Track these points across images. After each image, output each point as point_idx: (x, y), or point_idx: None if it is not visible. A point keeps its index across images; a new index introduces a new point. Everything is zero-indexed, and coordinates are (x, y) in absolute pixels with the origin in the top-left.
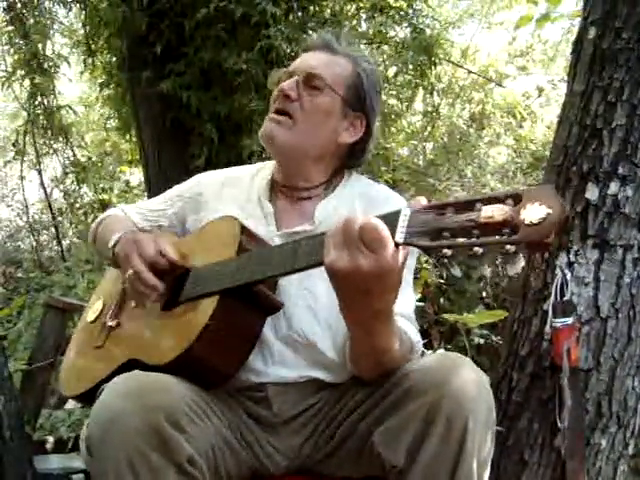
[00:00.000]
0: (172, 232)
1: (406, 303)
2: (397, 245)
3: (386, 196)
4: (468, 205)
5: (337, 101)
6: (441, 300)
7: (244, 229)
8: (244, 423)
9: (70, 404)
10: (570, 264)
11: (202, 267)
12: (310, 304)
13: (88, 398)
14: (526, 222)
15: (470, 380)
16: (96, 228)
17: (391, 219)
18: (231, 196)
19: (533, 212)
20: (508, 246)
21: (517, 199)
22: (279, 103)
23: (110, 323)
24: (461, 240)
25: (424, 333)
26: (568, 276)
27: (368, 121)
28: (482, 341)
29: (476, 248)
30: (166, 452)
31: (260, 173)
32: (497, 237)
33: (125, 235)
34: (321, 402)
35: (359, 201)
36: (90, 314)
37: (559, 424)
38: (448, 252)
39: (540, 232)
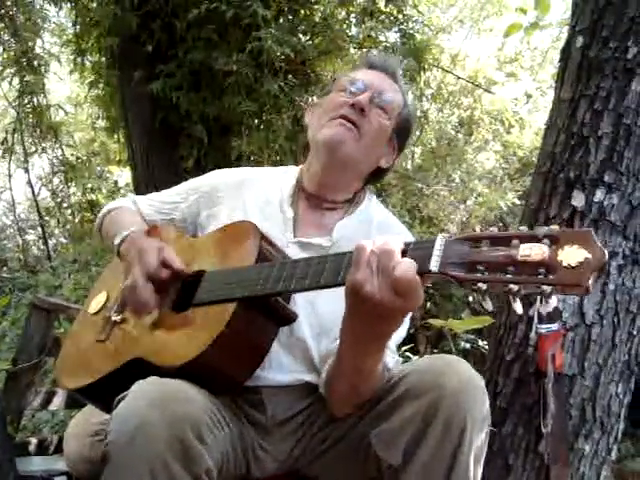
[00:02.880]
0: (182, 231)
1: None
2: (430, 273)
3: (399, 230)
4: (504, 240)
5: (391, 127)
6: (427, 304)
7: (263, 237)
8: (245, 428)
9: (54, 405)
10: None
11: (219, 271)
12: (310, 312)
13: (87, 392)
14: (564, 264)
15: (467, 381)
16: (103, 217)
17: (427, 247)
18: (250, 197)
19: (572, 255)
20: (544, 287)
21: (555, 239)
22: (351, 113)
23: (115, 318)
24: (498, 276)
25: (410, 338)
26: (550, 307)
27: (399, 153)
28: (468, 346)
29: (511, 285)
30: (188, 463)
31: (284, 177)
32: (535, 277)
33: (131, 236)
34: (313, 405)
35: (376, 229)
36: (92, 305)
37: (543, 429)
38: (483, 286)
39: (578, 276)
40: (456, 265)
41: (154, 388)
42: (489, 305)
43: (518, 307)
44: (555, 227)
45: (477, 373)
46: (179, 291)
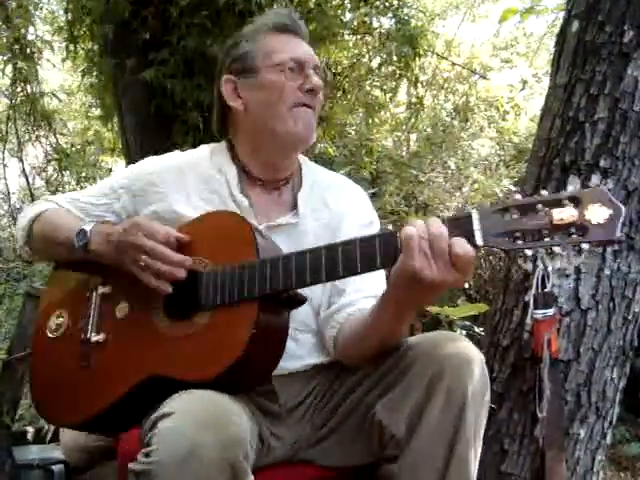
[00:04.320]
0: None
1: None
2: (477, 247)
3: (351, 189)
4: (531, 206)
5: None
6: None
7: (253, 227)
8: (260, 419)
9: None
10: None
11: (221, 270)
12: (307, 294)
13: (92, 426)
14: (593, 222)
15: (468, 356)
16: (30, 224)
17: (466, 222)
18: (192, 188)
19: (597, 213)
20: (583, 245)
21: (578, 200)
22: (309, 100)
23: (96, 338)
24: (539, 241)
25: None
26: (549, 268)
27: None
28: (464, 332)
29: (554, 248)
30: None
31: (216, 159)
32: (572, 237)
33: (97, 229)
34: (320, 385)
35: (335, 195)
36: (50, 330)
37: (539, 414)
38: (529, 252)
39: (609, 231)
40: (496, 236)
41: (200, 407)
42: (529, 266)
43: (528, 265)
44: (572, 188)
45: (478, 350)
46: (166, 296)
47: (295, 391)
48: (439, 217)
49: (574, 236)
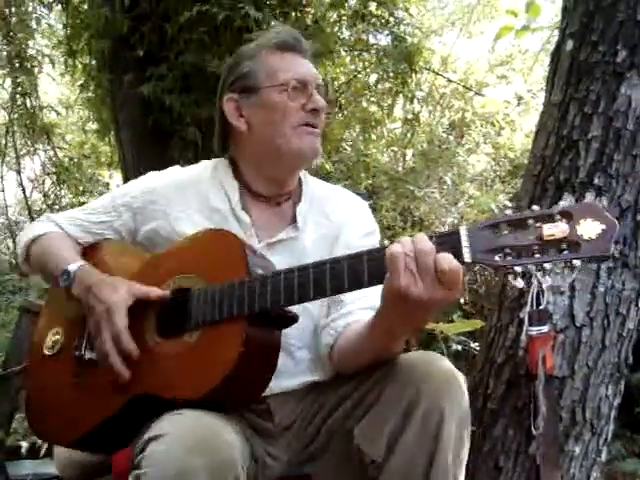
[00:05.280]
0: (126, 244)
1: None
2: (465, 264)
3: (354, 203)
4: (522, 222)
5: None
6: None
7: (245, 245)
8: (253, 439)
9: None
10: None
11: (208, 288)
12: (301, 310)
13: (84, 443)
14: (585, 238)
15: (446, 377)
16: (28, 247)
17: (453, 239)
18: (193, 205)
19: (589, 228)
20: (575, 261)
21: (569, 215)
22: (313, 119)
23: (89, 356)
24: (529, 257)
25: None
26: (544, 285)
27: None
28: (460, 348)
29: (545, 265)
30: None
31: (217, 176)
32: (563, 253)
33: (80, 276)
34: (307, 403)
35: (327, 204)
36: (46, 347)
37: (534, 431)
38: (518, 269)
39: (601, 246)
40: (487, 252)
41: (190, 430)
42: (520, 283)
43: (519, 283)
44: (565, 203)
45: (458, 370)
46: (158, 314)
47: (289, 409)
48: (427, 234)
49: (565, 252)
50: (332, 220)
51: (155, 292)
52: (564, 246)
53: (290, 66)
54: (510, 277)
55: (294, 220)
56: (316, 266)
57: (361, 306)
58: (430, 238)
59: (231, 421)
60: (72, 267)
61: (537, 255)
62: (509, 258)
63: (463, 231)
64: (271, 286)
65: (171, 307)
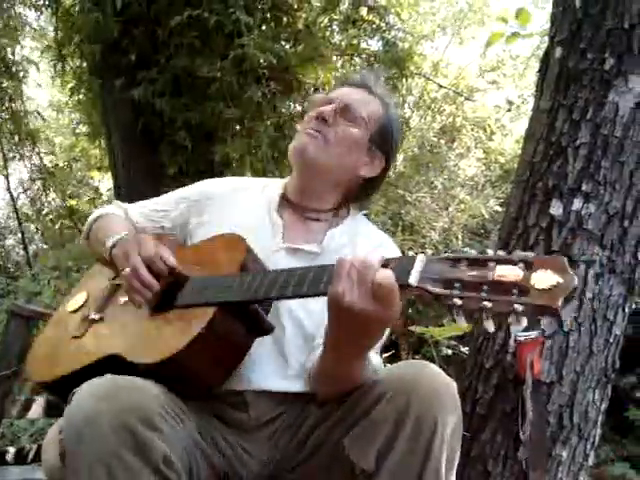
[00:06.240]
0: (175, 238)
1: None
2: (409, 287)
3: (387, 244)
4: (481, 262)
5: (366, 136)
6: (409, 310)
7: (249, 250)
8: (215, 428)
9: (33, 413)
10: None
11: (203, 277)
12: (295, 323)
13: (57, 388)
14: (537, 287)
15: (437, 385)
16: (91, 224)
17: (407, 262)
18: (238, 205)
19: (544, 279)
20: (516, 305)
21: (529, 264)
22: (315, 124)
23: (93, 316)
24: (473, 293)
25: (393, 344)
26: (514, 332)
27: (387, 163)
28: (450, 352)
29: (485, 303)
30: (141, 453)
31: (270, 186)
32: (507, 296)
33: (124, 238)
34: (293, 411)
35: (361, 240)
36: (71, 304)
37: (522, 436)
38: (458, 302)
39: (549, 298)
40: (434, 281)
41: (105, 382)
42: (462, 321)
43: (490, 326)
44: (531, 253)
45: (449, 378)
46: (160, 293)
47: (267, 407)
48: (387, 258)
49: (513, 297)
50: (355, 250)
51: (173, 260)
52: (514, 290)
53: (336, 91)
54: (454, 311)
55: (322, 241)
56: (290, 270)
57: None
58: (388, 260)
59: (189, 405)
60: (120, 235)
61: (482, 293)
62: (453, 291)
63: (421, 257)
64: (250, 283)
65: (170, 290)
